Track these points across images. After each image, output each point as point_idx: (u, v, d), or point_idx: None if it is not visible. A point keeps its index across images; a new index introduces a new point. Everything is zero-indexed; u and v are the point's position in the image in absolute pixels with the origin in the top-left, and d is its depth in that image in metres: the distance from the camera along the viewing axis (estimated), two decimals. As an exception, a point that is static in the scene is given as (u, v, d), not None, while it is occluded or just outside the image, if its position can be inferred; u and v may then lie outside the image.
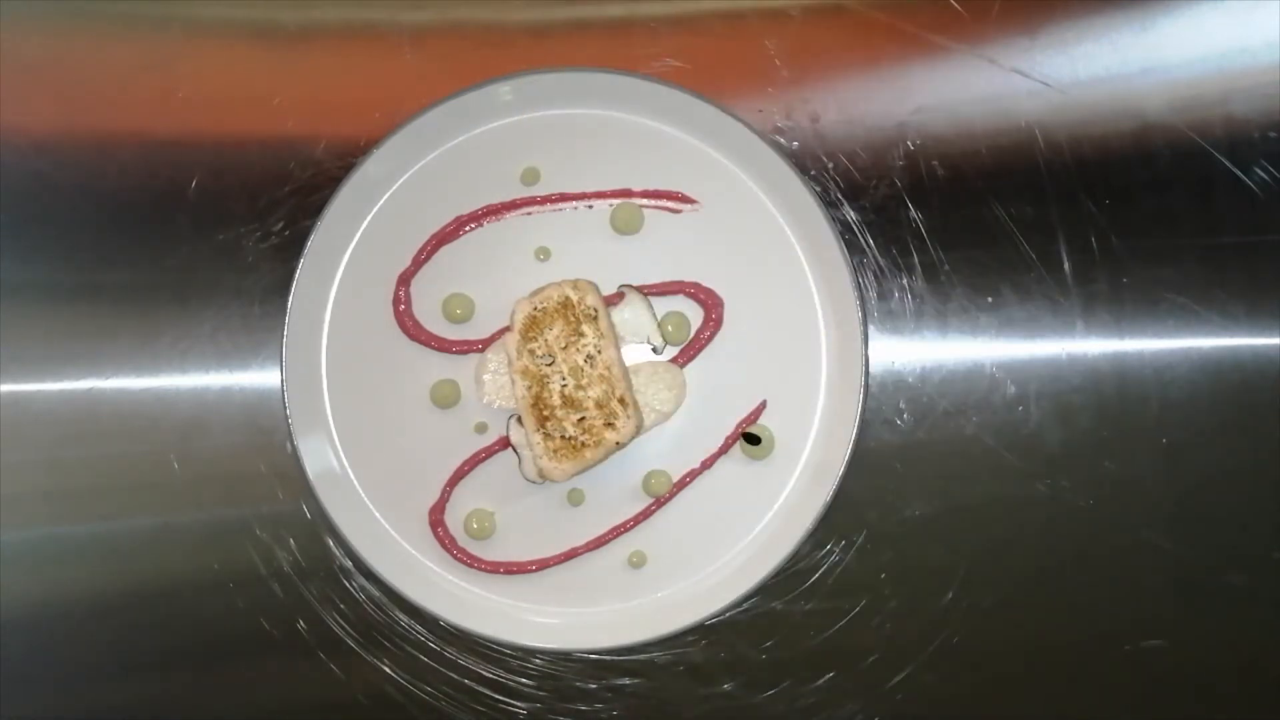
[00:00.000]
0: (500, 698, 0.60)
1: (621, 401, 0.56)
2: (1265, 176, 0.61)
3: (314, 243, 0.58)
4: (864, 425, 0.59)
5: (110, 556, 0.59)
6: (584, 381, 0.56)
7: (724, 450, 0.60)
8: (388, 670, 0.60)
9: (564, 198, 0.59)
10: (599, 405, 0.56)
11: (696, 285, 0.59)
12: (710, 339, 0.60)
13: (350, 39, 0.60)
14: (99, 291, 0.59)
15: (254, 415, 0.59)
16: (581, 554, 0.59)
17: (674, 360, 0.60)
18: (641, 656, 0.59)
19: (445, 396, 0.59)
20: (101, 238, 0.59)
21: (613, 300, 0.59)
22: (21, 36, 0.59)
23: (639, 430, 0.57)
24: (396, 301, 0.59)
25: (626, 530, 0.59)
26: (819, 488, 0.58)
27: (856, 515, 0.60)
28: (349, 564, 0.59)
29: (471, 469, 0.59)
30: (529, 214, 0.59)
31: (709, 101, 0.58)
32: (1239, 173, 0.61)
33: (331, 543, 0.59)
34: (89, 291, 0.59)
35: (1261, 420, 0.61)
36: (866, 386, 0.58)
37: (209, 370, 0.59)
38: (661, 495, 0.59)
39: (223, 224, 0.59)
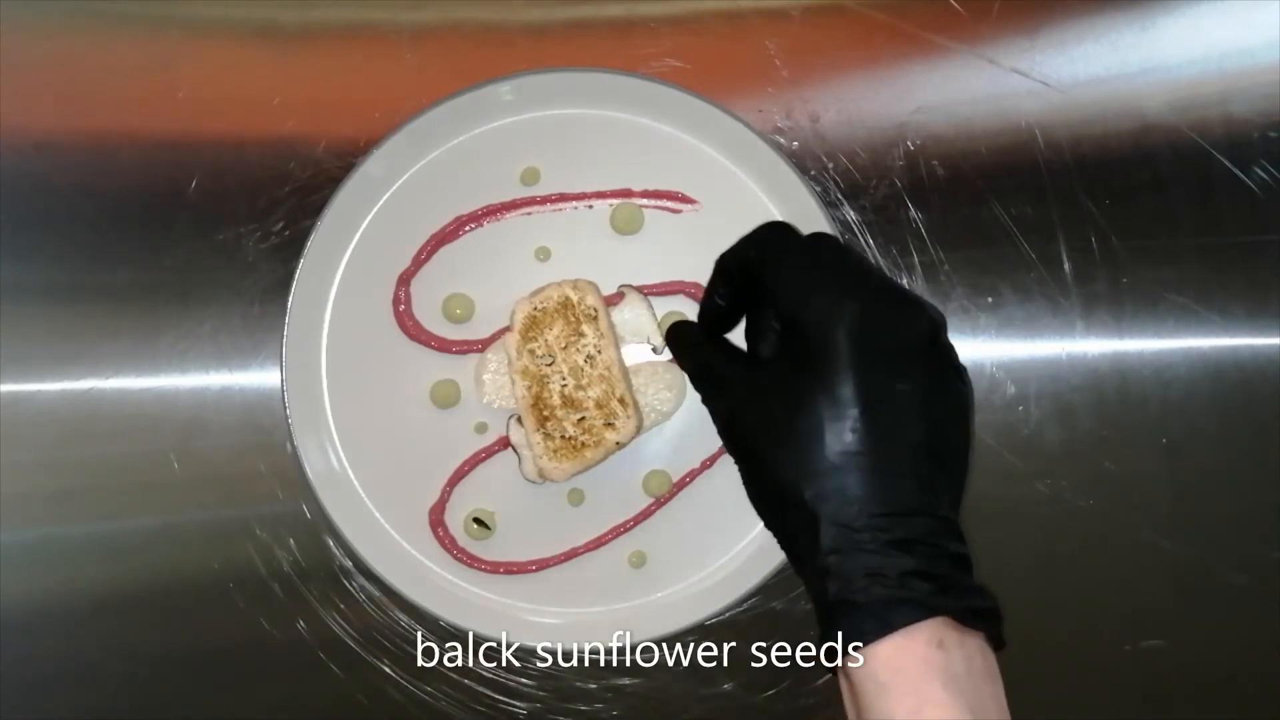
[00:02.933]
0: (500, 698, 0.60)
1: (621, 401, 0.56)
2: (1265, 176, 0.61)
3: (314, 243, 0.57)
4: (864, 425, 0.59)
5: (110, 556, 0.59)
6: (584, 381, 0.56)
7: (724, 450, 0.60)
8: (388, 670, 0.60)
9: (564, 198, 0.59)
10: (599, 405, 0.56)
11: (696, 285, 0.59)
12: (710, 339, 0.59)
13: (350, 39, 0.60)
14: (99, 291, 0.59)
15: (254, 415, 0.59)
16: (581, 554, 0.59)
17: (674, 360, 0.59)
18: (642, 656, 0.59)
19: (445, 396, 0.59)
20: (101, 238, 0.59)
21: (613, 300, 0.59)
22: (21, 36, 0.59)
23: (639, 430, 0.57)
24: (396, 301, 0.59)
25: (626, 530, 0.59)
26: (819, 488, 0.58)
27: (856, 515, 0.60)
28: (349, 564, 0.59)
29: (471, 469, 0.59)
30: (529, 214, 0.59)
31: (709, 101, 0.58)
32: (1239, 173, 0.61)
33: (331, 543, 0.59)
34: (89, 291, 0.59)
35: (1261, 420, 0.61)
36: (866, 386, 0.58)
37: (209, 370, 0.59)
38: (661, 495, 0.59)
39: (223, 224, 0.59)
